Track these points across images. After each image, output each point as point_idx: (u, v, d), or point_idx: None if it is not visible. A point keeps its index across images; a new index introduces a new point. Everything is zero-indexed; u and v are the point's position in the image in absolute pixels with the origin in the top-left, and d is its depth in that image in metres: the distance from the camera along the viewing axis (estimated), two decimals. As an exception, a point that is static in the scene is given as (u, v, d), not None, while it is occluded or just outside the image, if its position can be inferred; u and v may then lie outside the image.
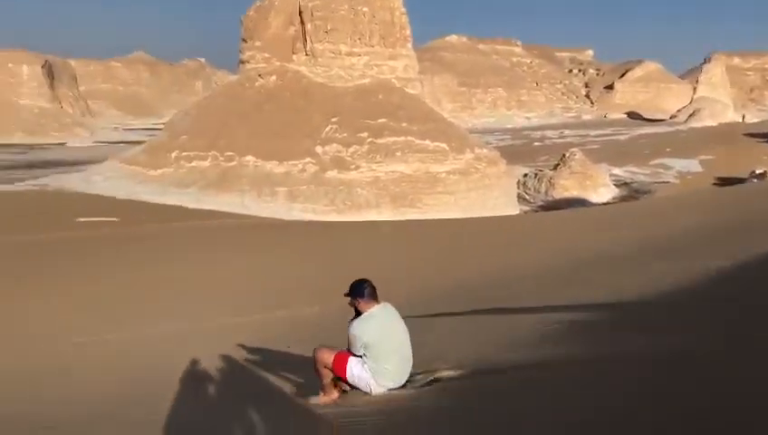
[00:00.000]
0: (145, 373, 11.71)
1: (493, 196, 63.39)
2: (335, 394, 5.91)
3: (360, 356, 5.73)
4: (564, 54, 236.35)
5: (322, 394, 5.99)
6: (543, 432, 4.21)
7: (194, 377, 9.45)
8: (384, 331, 5.67)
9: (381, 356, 5.64)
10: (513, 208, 62.77)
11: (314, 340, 14.00)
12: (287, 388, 7.78)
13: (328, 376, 5.87)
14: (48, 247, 37.90)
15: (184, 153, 65.33)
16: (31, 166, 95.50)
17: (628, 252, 17.99)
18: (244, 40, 73.24)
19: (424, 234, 38.72)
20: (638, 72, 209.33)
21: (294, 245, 35.51)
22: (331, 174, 61.35)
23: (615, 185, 76.78)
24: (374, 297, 5.76)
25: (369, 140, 64.31)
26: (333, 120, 66.08)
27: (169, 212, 53.36)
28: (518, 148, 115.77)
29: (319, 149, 63.41)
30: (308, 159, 62.44)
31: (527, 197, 70.78)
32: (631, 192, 74.17)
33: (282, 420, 5.94)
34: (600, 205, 62.10)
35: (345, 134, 64.79)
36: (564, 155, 75.38)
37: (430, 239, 35.25)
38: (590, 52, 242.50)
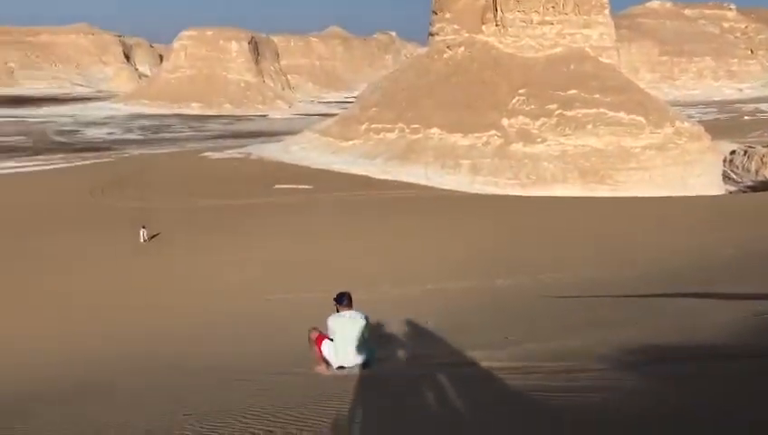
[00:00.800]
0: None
1: (694, 173, 58.68)
2: (323, 365, 7.97)
3: (330, 340, 7.94)
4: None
5: (315, 364, 8.06)
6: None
7: (381, 339, 9.85)
8: (344, 327, 7.86)
9: (340, 344, 7.86)
10: (717, 188, 57.67)
11: (482, 310, 13.93)
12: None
13: (315, 350, 8.06)
14: (249, 210, 41.25)
15: (373, 125, 67.54)
16: (237, 135, 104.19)
17: None
18: (435, 12, 73.62)
19: (615, 212, 36.90)
20: None
21: (477, 218, 35.47)
22: (516, 147, 60.18)
23: (843, 165, 67.61)
24: (348, 305, 8.07)
25: (558, 111, 62.11)
26: (521, 91, 64.61)
27: (357, 182, 55.64)
28: (725, 122, 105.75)
29: (504, 121, 62.42)
30: (493, 132, 61.73)
31: (734, 176, 64.58)
32: None
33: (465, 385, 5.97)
34: (822, 187, 55.11)
35: (532, 106, 63.13)
36: (781, 130, 67.62)
37: (622, 218, 33.52)
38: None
